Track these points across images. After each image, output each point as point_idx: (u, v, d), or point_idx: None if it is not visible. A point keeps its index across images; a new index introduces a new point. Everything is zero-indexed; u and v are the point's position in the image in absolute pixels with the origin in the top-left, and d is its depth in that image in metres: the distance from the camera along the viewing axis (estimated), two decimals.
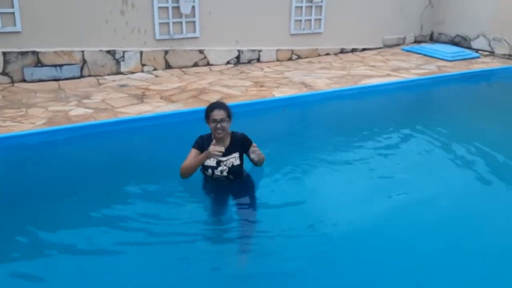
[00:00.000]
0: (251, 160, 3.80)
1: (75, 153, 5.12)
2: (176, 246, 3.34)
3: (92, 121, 5.69)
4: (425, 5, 10.97)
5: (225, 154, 3.68)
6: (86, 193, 4.07)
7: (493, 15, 10.02)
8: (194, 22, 8.29)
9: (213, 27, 8.47)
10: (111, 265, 3.16)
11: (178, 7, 8.01)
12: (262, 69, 8.62)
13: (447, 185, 4.29)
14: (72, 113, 5.99)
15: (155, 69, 8.19)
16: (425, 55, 9.92)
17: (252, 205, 3.82)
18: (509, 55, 9.83)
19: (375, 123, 6.02)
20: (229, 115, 3.67)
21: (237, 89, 7.19)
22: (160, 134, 5.63)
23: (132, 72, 8.00)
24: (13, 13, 6.97)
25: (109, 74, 7.86)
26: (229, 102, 6.33)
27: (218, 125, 3.59)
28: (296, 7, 9.21)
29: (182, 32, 8.25)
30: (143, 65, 8.10)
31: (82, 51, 7.60)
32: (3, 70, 7.13)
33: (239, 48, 8.87)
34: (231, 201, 3.86)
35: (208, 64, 8.62)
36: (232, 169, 3.77)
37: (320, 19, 9.58)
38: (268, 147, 5.04)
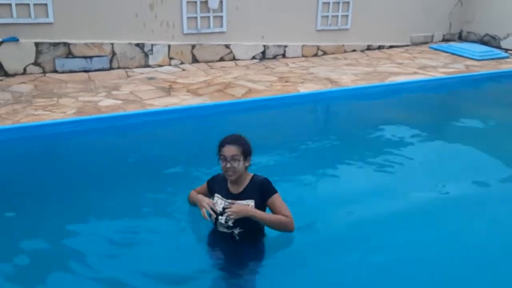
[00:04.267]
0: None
1: (104, 142, 5.26)
2: None
3: (121, 112, 5.82)
4: (454, 3, 10.81)
5: (238, 198, 2.97)
6: (113, 181, 4.18)
7: None
8: (221, 17, 8.36)
9: (240, 22, 8.53)
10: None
11: (206, 2, 8.10)
12: (287, 64, 8.65)
13: (472, 187, 4.22)
14: (101, 103, 6.14)
15: (182, 63, 8.30)
16: (453, 53, 9.79)
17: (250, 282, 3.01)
18: None
19: (400, 121, 5.99)
20: (244, 152, 2.93)
21: (262, 84, 7.24)
22: (186, 126, 5.74)
23: (160, 65, 8.13)
24: (46, 4, 7.15)
25: (137, 67, 8.00)
26: (253, 97, 6.53)
27: (228, 165, 2.88)
28: (323, 3, 9.20)
29: (209, 27, 8.33)
30: (171, 58, 8.22)
31: (112, 44, 7.75)
32: (35, 61, 7.33)
33: (264, 43, 8.91)
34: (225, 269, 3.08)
35: (234, 58, 8.70)
36: (241, 222, 2.92)
37: (347, 16, 9.55)
38: (291, 142, 5.13)
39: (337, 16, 9.46)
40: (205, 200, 3.03)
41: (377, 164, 4.63)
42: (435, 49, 10.24)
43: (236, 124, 5.92)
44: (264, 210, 2.98)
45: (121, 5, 7.62)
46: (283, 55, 9.13)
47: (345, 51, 9.80)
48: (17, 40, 7.10)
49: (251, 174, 3.05)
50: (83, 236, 3.38)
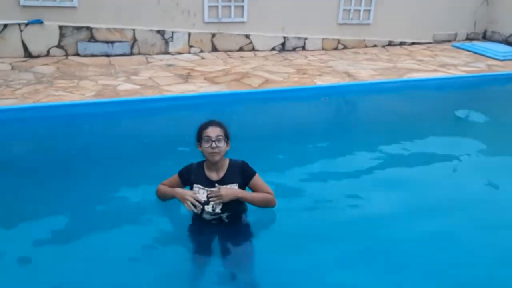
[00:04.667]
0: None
1: (119, 125, 5.38)
2: None
3: (138, 96, 5.93)
4: (480, 2, 10.63)
5: (220, 183, 2.98)
6: (127, 161, 4.30)
7: None
8: (242, 6, 8.41)
9: (261, 13, 8.56)
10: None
11: None
12: (306, 57, 8.66)
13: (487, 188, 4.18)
14: (120, 87, 6.26)
15: (201, 51, 8.38)
16: (475, 53, 9.65)
17: (249, 254, 3.05)
18: None
19: (415, 117, 5.98)
20: (226, 134, 2.97)
21: (279, 75, 7.28)
22: (201, 113, 5.81)
23: (179, 53, 8.22)
24: None
25: (157, 54, 8.11)
26: (269, 87, 6.57)
27: (213, 145, 2.87)
28: None
29: (230, 16, 8.38)
30: (190, 46, 8.30)
31: (134, 30, 7.87)
32: (59, 43, 7.50)
33: (284, 35, 8.93)
34: (220, 253, 3.04)
35: (253, 49, 8.74)
36: (228, 206, 2.95)
37: (369, 10, 9.49)
38: (305, 135, 5.16)
39: (359, 10, 9.40)
40: (186, 193, 2.96)
41: (386, 157, 4.63)
42: (458, 47, 10.11)
43: (250, 113, 6.01)
44: (245, 189, 3.06)
45: None
46: (303, 48, 9.13)
47: (366, 46, 9.75)
48: (42, 22, 7.27)
49: (227, 159, 3.07)
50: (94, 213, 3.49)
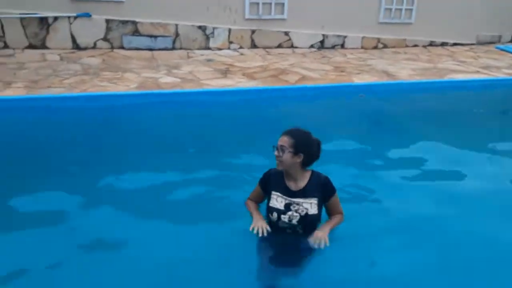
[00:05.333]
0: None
1: (161, 117, 5.59)
2: None
3: (178, 89, 6.13)
4: None
5: (300, 195, 2.95)
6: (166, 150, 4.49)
7: None
8: (283, 4, 8.50)
9: (301, 10, 8.63)
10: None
11: None
12: (345, 55, 8.67)
13: None
14: (161, 80, 6.48)
15: (241, 47, 8.53)
16: None
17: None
18: None
19: (452, 119, 5.93)
20: (295, 146, 2.87)
21: (316, 72, 7.33)
22: (239, 108, 5.96)
23: (220, 49, 8.40)
24: None
25: (198, 49, 8.32)
26: (305, 83, 6.64)
27: (276, 152, 2.89)
28: None
29: (270, 13, 8.50)
30: (230, 42, 8.47)
31: (176, 25, 8.10)
32: (105, 36, 7.80)
33: (324, 33, 8.96)
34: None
35: (292, 46, 8.82)
36: (305, 219, 2.92)
37: (411, 9, 9.39)
38: (339, 133, 5.19)
39: (401, 9, 9.33)
40: (258, 224, 2.94)
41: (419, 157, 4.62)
42: (502, 49, 9.86)
43: (285, 109, 6.09)
44: (322, 205, 3.02)
45: None
46: (342, 46, 9.15)
47: (407, 46, 9.66)
48: (90, 16, 7.59)
49: (310, 171, 3.00)
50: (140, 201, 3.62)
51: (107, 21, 7.72)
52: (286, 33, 8.72)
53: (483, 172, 4.41)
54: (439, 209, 3.65)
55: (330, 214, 3.08)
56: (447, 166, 4.48)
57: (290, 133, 2.91)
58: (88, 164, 4.16)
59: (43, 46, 7.58)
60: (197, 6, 8.10)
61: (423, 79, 7.37)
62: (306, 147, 2.90)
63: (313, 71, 7.35)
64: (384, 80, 7.17)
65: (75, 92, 5.73)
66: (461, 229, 3.40)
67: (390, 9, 9.25)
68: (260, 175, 3.12)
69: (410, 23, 9.52)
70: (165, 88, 6.19)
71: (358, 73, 7.43)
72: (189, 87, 6.26)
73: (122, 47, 7.89)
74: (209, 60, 7.70)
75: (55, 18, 7.47)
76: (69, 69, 6.70)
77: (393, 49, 9.44)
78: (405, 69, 7.88)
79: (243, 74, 7.00)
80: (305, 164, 2.95)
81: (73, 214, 3.39)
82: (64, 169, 4.04)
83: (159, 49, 8.04)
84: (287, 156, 2.87)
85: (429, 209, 3.65)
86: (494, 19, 10.15)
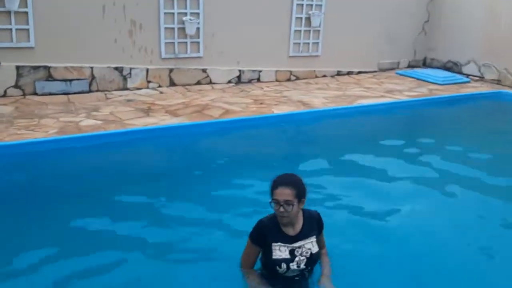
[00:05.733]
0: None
1: (86, 160, 5.46)
2: None
3: (102, 131, 6.03)
4: (418, 32, 11.50)
5: (300, 238, 2.87)
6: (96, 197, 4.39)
7: (482, 42, 10.53)
8: (198, 42, 8.72)
9: (216, 48, 8.90)
10: None
11: (183, 28, 8.45)
12: (262, 88, 9.03)
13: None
14: (82, 123, 6.34)
15: (159, 86, 8.58)
16: (417, 79, 10.37)
17: None
18: (497, 80, 10.28)
19: (367, 140, 6.42)
20: (298, 195, 2.75)
21: (238, 105, 7.57)
22: (166, 145, 5.99)
23: (138, 88, 8.38)
24: (28, 29, 7.37)
25: (116, 90, 8.23)
26: (230, 117, 6.84)
27: (281, 209, 2.72)
28: (295, 30, 9.68)
29: (186, 52, 8.67)
30: (149, 81, 8.49)
31: (91, 67, 7.98)
32: (16, 83, 7.49)
33: (240, 68, 9.29)
34: None
35: (210, 82, 9.03)
36: (311, 259, 2.88)
37: (318, 43, 10.05)
38: (270, 162, 5.42)
39: (309, 43, 9.94)
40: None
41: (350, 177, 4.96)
42: (401, 74, 10.82)
43: (214, 142, 6.23)
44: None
45: (101, 31, 7.89)
46: (258, 80, 9.52)
47: (316, 76, 10.26)
48: None
49: (301, 210, 2.90)
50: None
51: (18, 67, 7.44)
52: (204, 70, 8.93)
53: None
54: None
55: (320, 247, 3.00)
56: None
57: (287, 183, 2.75)
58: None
59: None
60: (112, 48, 8.07)
61: (336, 105, 7.88)
62: (304, 190, 2.82)
63: (235, 105, 7.57)
64: (301, 109, 7.57)
65: None
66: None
67: (299, 44, 9.83)
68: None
69: (318, 56, 10.16)
70: (87, 131, 6.06)
71: (277, 104, 7.78)
72: (112, 128, 6.18)
73: (35, 93, 7.60)
74: (129, 100, 7.66)
75: None
76: None
77: (305, 80, 9.98)
78: (318, 98, 8.38)
79: (166, 112, 7.05)
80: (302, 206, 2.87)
81: None
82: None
83: (75, 93, 7.85)
84: (295, 209, 2.74)
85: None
86: (392, 48, 11.15)
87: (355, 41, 10.40)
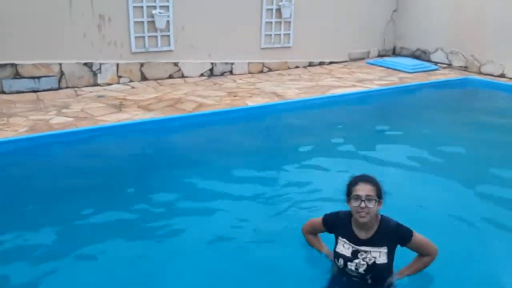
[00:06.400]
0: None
1: (56, 158, 5.36)
2: None
3: (74, 128, 5.93)
4: (387, 21, 11.65)
5: (368, 244, 2.80)
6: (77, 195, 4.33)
7: (449, 30, 10.75)
8: (168, 36, 8.63)
9: (187, 41, 8.83)
10: None
11: (153, 22, 8.35)
12: (235, 81, 9.02)
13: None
14: (53, 121, 6.21)
15: (131, 81, 8.47)
16: (387, 67, 10.52)
17: None
18: (465, 67, 10.53)
19: (341, 129, 6.51)
20: (378, 193, 2.73)
21: (211, 99, 7.54)
22: (138, 140, 5.95)
23: (109, 84, 8.25)
24: None
25: (86, 86, 8.09)
26: (204, 110, 6.81)
27: (362, 204, 2.68)
28: (266, 22, 9.68)
29: (157, 46, 8.57)
30: (120, 77, 8.37)
31: (60, 64, 7.82)
32: None
33: (212, 61, 9.25)
34: None
35: (182, 76, 8.96)
36: (373, 268, 2.78)
37: (289, 34, 10.08)
38: (248, 154, 5.44)
39: (280, 34, 9.96)
40: (328, 253, 3.04)
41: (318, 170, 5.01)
42: (371, 64, 10.96)
43: (189, 136, 6.21)
44: (394, 252, 2.85)
45: (69, 26, 7.73)
46: (231, 72, 9.50)
47: (289, 68, 10.30)
48: None
49: (379, 216, 2.83)
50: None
51: None
52: (176, 64, 8.85)
53: None
54: None
55: (419, 255, 2.92)
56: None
57: (368, 180, 2.76)
58: None
59: None
60: (81, 43, 7.92)
61: (309, 96, 7.94)
62: (382, 192, 2.78)
63: (208, 98, 7.54)
64: (275, 100, 7.60)
65: None
66: None
67: (270, 35, 9.84)
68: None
69: (289, 47, 10.19)
70: (58, 128, 5.95)
71: (250, 96, 7.78)
72: (84, 125, 6.08)
73: (2, 92, 7.41)
74: (100, 96, 7.54)
75: None
76: None
77: (277, 72, 10.01)
78: (291, 89, 8.42)
79: (139, 107, 6.97)
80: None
81: None
82: None
83: (44, 90, 7.68)
84: (375, 206, 2.71)
85: None
86: (361, 38, 11.27)
87: (325, 31, 10.48)
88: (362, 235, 2.82)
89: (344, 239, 2.86)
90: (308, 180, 4.65)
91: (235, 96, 7.77)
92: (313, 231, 3.18)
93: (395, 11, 11.71)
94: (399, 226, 2.82)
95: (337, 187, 4.11)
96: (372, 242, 2.79)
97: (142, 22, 8.32)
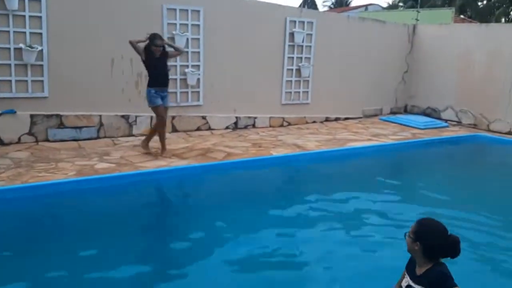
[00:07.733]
0: None
1: (108, 200, 5.92)
2: None
3: (118, 173, 6.51)
4: (398, 81, 12.43)
5: (417, 281, 3.01)
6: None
7: (458, 90, 11.47)
8: (198, 92, 9.40)
9: (215, 97, 9.59)
10: None
11: (185, 79, 9.14)
12: (258, 133, 9.67)
13: None
14: (97, 166, 6.81)
15: None
16: (400, 124, 11.17)
17: None
18: (474, 124, 11.14)
19: (360, 179, 7.06)
20: (417, 234, 2.98)
21: (238, 149, 8.15)
22: (178, 185, 6.50)
23: (143, 135, 8.88)
24: (42, 81, 7.94)
25: (122, 136, 8.77)
26: (233, 159, 7.39)
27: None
28: (287, 81, 10.48)
29: (188, 101, 9.32)
30: None
31: (100, 115, 8.54)
32: (30, 131, 7.97)
33: (237, 115, 9.95)
34: None
35: (209, 128, 9.64)
36: None
37: (307, 92, 10.84)
38: (270, 200, 5.96)
39: (299, 92, 10.72)
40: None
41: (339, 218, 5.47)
42: (385, 120, 11.62)
43: (220, 182, 6.75)
44: None
45: (109, 82, 8.51)
46: (253, 125, 10.18)
47: (307, 122, 10.99)
48: (15, 112, 7.77)
49: (433, 262, 2.98)
50: None
51: (32, 116, 7.94)
52: (204, 117, 9.55)
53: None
54: None
55: None
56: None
57: (419, 221, 3.05)
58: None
59: None
60: (119, 98, 8.66)
61: (328, 148, 8.53)
62: (426, 238, 2.94)
63: (235, 148, 8.15)
64: (297, 151, 8.19)
65: (17, 184, 5.86)
66: None
67: (290, 93, 10.60)
68: None
69: (308, 103, 10.93)
70: (103, 173, 6.52)
71: (274, 147, 8.38)
72: (126, 170, 6.66)
73: (47, 140, 8.08)
74: (135, 146, 8.16)
75: None
76: (0, 164, 6.77)
77: (296, 126, 10.68)
78: (311, 141, 9.02)
79: (173, 155, 7.58)
80: (426, 253, 2.97)
81: None
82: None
83: (84, 139, 8.35)
84: (408, 240, 3.03)
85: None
86: (375, 96, 12.03)
87: (341, 90, 11.26)
88: (418, 271, 3.05)
89: (407, 273, 3.17)
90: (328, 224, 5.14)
91: (260, 146, 8.38)
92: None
93: (406, 72, 12.51)
94: (442, 275, 2.90)
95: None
96: (419, 279, 2.99)
97: (176, 79, 9.10)
